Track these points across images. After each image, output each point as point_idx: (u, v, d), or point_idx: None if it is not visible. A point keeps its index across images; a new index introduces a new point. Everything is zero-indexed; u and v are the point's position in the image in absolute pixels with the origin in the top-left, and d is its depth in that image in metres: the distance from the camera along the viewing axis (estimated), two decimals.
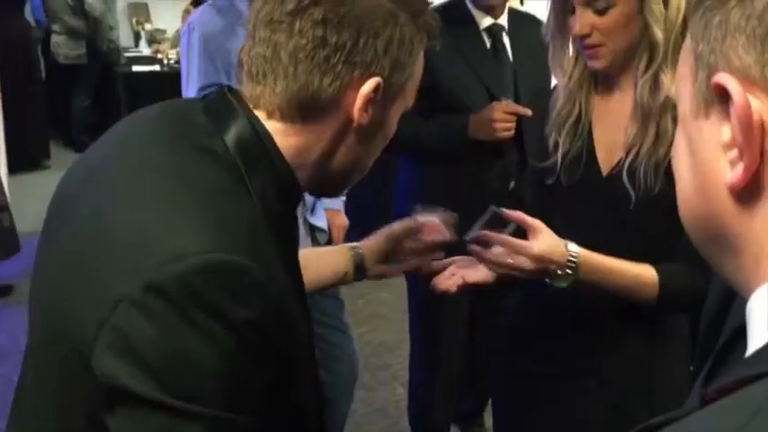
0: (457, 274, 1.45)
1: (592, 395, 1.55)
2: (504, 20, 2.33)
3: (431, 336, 2.55)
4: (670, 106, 1.40)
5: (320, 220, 2.46)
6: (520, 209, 2.25)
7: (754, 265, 0.50)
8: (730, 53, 0.49)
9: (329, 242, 2.50)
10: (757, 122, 0.47)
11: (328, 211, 2.49)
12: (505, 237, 1.36)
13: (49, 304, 0.87)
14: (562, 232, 1.54)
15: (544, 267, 1.35)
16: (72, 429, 0.84)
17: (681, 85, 0.56)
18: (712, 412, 0.46)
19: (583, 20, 1.40)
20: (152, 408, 0.74)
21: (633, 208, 1.44)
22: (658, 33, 1.37)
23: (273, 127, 0.90)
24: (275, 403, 0.83)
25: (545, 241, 1.36)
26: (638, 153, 1.43)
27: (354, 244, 1.40)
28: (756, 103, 0.48)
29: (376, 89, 0.88)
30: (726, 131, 0.50)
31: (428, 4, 0.99)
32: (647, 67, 1.41)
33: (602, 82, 1.53)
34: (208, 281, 0.74)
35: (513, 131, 2.17)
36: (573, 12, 1.43)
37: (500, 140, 2.18)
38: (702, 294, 0.91)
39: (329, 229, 2.50)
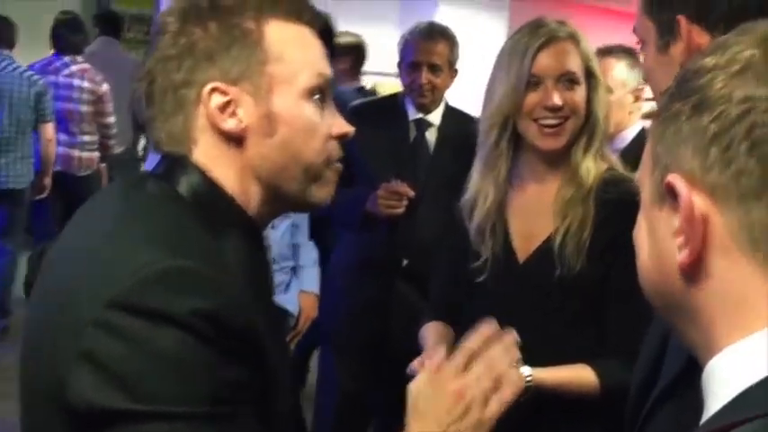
0: None
1: None
2: (435, 116, 2.55)
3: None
4: (593, 191, 1.54)
5: (290, 304, 2.45)
6: (415, 285, 2.35)
7: (706, 334, 0.59)
8: (680, 158, 0.59)
9: (295, 326, 2.49)
10: (698, 216, 0.58)
11: (303, 294, 2.48)
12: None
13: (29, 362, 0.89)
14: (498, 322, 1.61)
15: None
16: None
17: (644, 176, 0.65)
18: None
19: (556, 92, 1.53)
20: (137, 420, 0.77)
21: (552, 289, 1.54)
22: (600, 117, 1.54)
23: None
24: (252, 401, 0.85)
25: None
26: (564, 235, 1.54)
27: None
28: (699, 201, 0.58)
29: (216, 92, 0.92)
30: (675, 221, 0.59)
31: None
32: (586, 150, 1.55)
33: (517, 177, 1.63)
34: (156, 287, 0.79)
35: (399, 210, 2.37)
36: (533, 88, 1.53)
37: (389, 217, 2.38)
38: None
39: (299, 313, 2.48)
